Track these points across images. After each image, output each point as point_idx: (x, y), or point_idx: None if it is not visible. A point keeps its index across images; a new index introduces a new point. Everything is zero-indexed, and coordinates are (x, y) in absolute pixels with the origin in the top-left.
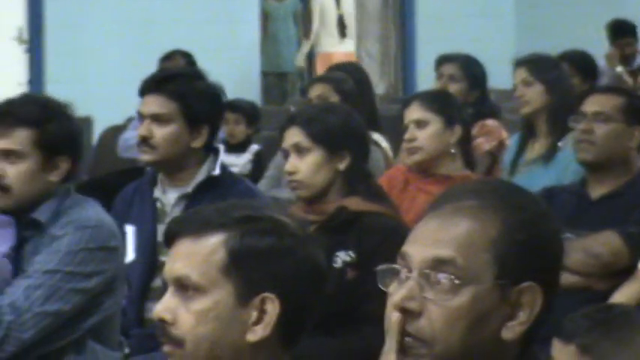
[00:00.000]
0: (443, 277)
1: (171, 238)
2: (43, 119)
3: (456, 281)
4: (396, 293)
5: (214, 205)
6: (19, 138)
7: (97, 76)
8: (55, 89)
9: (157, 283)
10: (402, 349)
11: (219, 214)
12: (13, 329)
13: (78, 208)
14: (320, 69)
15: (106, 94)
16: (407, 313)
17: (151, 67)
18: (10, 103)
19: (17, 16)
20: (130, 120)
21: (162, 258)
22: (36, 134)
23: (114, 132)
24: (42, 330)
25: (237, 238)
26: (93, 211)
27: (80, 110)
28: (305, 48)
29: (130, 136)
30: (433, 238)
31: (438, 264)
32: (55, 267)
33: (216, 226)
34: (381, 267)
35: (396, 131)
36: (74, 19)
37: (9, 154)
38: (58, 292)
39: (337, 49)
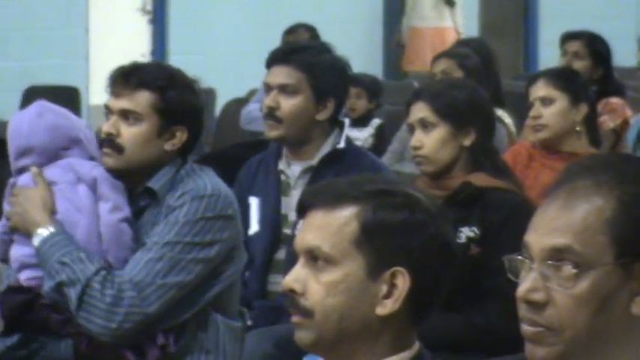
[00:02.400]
0: (563, 266)
1: (303, 210)
2: (167, 86)
3: (576, 269)
4: (521, 286)
5: (348, 177)
6: (140, 100)
7: (220, 49)
8: (177, 61)
9: (280, 255)
10: (535, 340)
11: (353, 187)
12: (136, 305)
13: (194, 177)
14: (410, 44)
15: (229, 66)
16: (533, 304)
17: (274, 41)
18: (138, 66)
19: None
20: (252, 92)
21: (286, 230)
22: (157, 99)
23: (236, 104)
24: (166, 303)
25: (370, 212)
26: (209, 180)
27: (203, 82)
28: (405, 22)
29: (253, 108)
30: (550, 227)
31: (557, 253)
32: (175, 238)
33: (349, 198)
34: (505, 258)
35: (519, 107)
36: None
37: (127, 115)
38: (180, 263)
39: (428, 24)
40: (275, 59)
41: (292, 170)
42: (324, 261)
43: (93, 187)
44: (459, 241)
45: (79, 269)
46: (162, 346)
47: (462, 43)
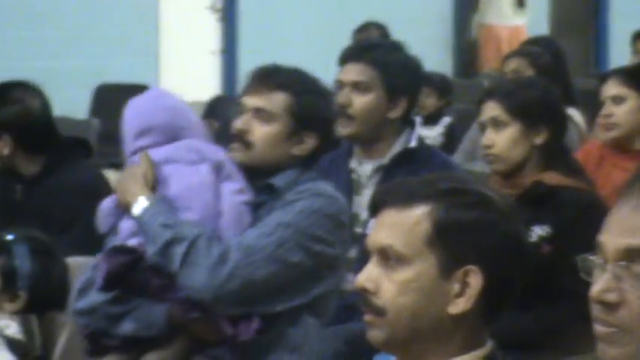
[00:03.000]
0: (636, 267)
1: (376, 208)
2: (303, 90)
3: None
4: (594, 286)
5: (420, 176)
6: (275, 100)
7: (290, 46)
8: (247, 58)
9: (352, 253)
10: (607, 340)
11: (426, 186)
12: (241, 267)
13: (315, 181)
14: (485, 42)
15: (298, 64)
16: (606, 305)
17: (344, 39)
18: (277, 67)
19: None
20: None
21: (358, 229)
22: (292, 101)
23: None
24: (271, 275)
25: (442, 210)
26: (329, 186)
27: None
28: (476, 20)
29: None
30: (624, 227)
31: (630, 253)
32: (289, 221)
33: (422, 197)
34: (578, 258)
35: (590, 106)
36: None
37: (261, 113)
38: (288, 243)
39: (505, 22)
40: (348, 56)
41: (364, 169)
42: (397, 260)
43: (217, 167)
44: (531, 239)
45: (185, 229)
46: (257, 330)
47: (532, 41)
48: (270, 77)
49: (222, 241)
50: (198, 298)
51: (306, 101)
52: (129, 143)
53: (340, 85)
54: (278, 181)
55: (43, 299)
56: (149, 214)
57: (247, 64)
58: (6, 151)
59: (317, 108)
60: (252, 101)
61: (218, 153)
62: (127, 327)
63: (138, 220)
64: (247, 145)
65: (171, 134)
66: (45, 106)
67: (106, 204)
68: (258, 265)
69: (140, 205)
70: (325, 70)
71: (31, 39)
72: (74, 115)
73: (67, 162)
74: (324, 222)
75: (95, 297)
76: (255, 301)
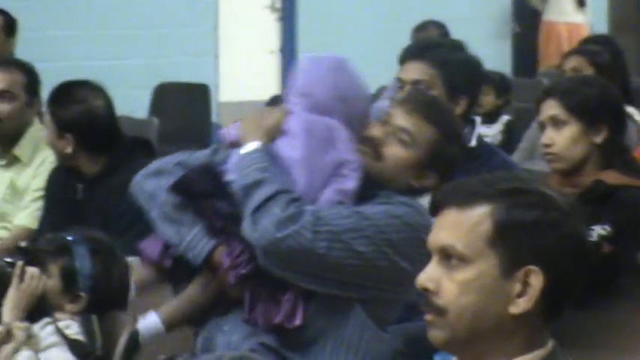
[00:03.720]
0: None
1: (437, 208)
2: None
3: None
4: None
5: (481, 176)
6: (419, 128)
7: (348, 45)
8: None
9: None
10: None
11: (486, 185)
12: (305, 232)
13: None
14: (545, 38)
15: (358, 63)
16: None
17: (403, 37)
18: (431, 100)
19: None
20: (382, 89)
21: None
22: (437, 136)
23: None
24: (330, 252)
25: (503, 210)
26: (421, 204)
27: None
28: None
29: (383, 105)
30: None
31: None
32: (369, 215)
33: (483, 197)
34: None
35: None
36: None
37: (404, 134)
38: (359, 232)
39: (565, 19)
40: (409, 55)
41: None
42: (458, 259)
43: (339, 164)
44: (591, 239)
45: (278, 180)
46: (298, 325)
47: (591, 39)
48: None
49: (302, 205)
50: (253, 244)
51: (449, 143)
52: (289, 92)
53: (401, 83)
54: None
55: (104, 299)
56: (253, 155)
57: None
58: (69, 150)
59: (448, 150)
60: (400, 121)
61: (348, 152)
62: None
63: (241, 157)
64: (377, 156)
65: (320, 109)
66: (108, 105)
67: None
68: (322, 237)
69: (251, 145)
70: (385, 68)
71: (92, 39)
72: (134, 115)
73: (128, 161)
74: (403, 229)
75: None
76: (303, 271)
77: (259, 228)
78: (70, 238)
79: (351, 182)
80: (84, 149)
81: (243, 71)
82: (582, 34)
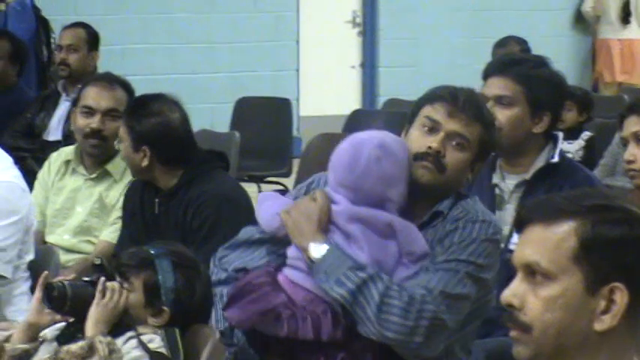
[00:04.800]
0: None
1: (521, 224)
2: (492, 121)
3: None
4: None
5: (565, 192)
6: (472, 130)
7: (429, 61)
8: (387, 72)
9: None
10: None
11: (571, 202)
12: (428, 304)
13: (470, 202)
14: (598, 55)
15: (438, 78)
16: None
17: (484, 53)
18: (476, 98)
19: (352, 0)
20: None
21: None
22: (484, 132)
23: None
24: (456, 312)
25: (588, 227)
26: (479, 206)
27: (413, 94)
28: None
29: None
30: None
31: None
32: (451, 257)
33: (567, 213)
34: None
35: None
36: (407, 4)
37: (459, 139)
38: (457, 275)
39: (617, 35)
40: (492, 71)
41: (506, 184)
42: (543, 276)
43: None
44: None
45: (374, 274)
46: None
47: None
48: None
49: (405, 284)
50: (387, 342)
51: (492, 132)
52: (333, 180)
53: (484, 99)
54: (444, 207)
55: (187, 313)
56: (333, 257)
57: (387, 78)
58: (145, 163)
59: (492, 138)
60: (453, 126)
61: (409, 243)
62: None
63: (317, 263)
64: (440, 168)
65: (372, 202)
66: (184, 119)
67: (270, 213)
68: (439, 302)
69: (319, 249)
70: (465, 83)
71: (174, 52)
72: (215, 128)
73: (205, 174)
74: (482, 248)
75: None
76: (439, 337)
77: (392, 326)
78: (152, 251)
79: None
80: (160, 162)
81: (324, 85)
82: (635, 50)
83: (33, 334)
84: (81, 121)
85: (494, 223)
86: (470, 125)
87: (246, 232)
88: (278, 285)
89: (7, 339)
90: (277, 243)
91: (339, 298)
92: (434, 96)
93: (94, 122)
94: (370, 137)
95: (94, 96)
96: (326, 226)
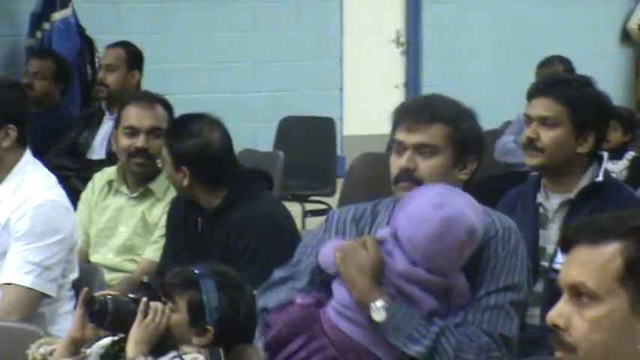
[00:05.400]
0: None
1: (567, 245)
2: (459, 118)
3: None
4: None
5: (611, 213)
6: (435, 133)
7: (473, 80)
8: (430, 92)
9: (538, 288)
10: None
11: (617, 223)
12: (489, 341)
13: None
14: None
15: (482, 97)
16: None
17: (527, 73)
18: (429, 100)
19: (396, 19)
20: (507, 124)
21: (544, 263)
22: (451, 131)
23: (491, 136)
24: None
25: (634, 248)
26: (497, 217)
27: None
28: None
29: (507, 140)
30: None
31: None
32: (493, 289)
33: (613, 234)
34: None
35: None
36: (451, 23)
37: (423, 148)
38: (503, 311)
39: None
40: (536, 92)
41: (550, 203)
42: (589, 297)
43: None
44: None
45: (445, 323)
46: None
47: None
48: (426, 111)
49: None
50: None
51: (460, 124)
52: (405, 237)
53: (528, 119)
54: None
55: (231, 333)
56: (401, 313)
57: None
58: (185, 183)
59: (475, 131)
60: (415, 139)
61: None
62: None
63: (385, 320)
64: (417, 182)
65: (429, 263)
66: (224, 139)
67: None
68: (501, 345)
69: (380, 308)
70: (508, 102)
71: (217, 71)
72: (259, 148)
73: (248, 195)
74: (511, 265)
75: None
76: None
77: None
78: (197, 271)
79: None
80: (200, 182)
81: (368, 105)
82: None
83: (76, 349)
84: (125, 142)
85: (509, 227)
86: (429, 130)
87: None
88: (319, 328)
89: (51, 353)
90: (299, 279)
91: (416, 354)
92: (394, 121)
93: (139, 141)
94: (462, 215)
95: (135, 115)
96: (380, 278)
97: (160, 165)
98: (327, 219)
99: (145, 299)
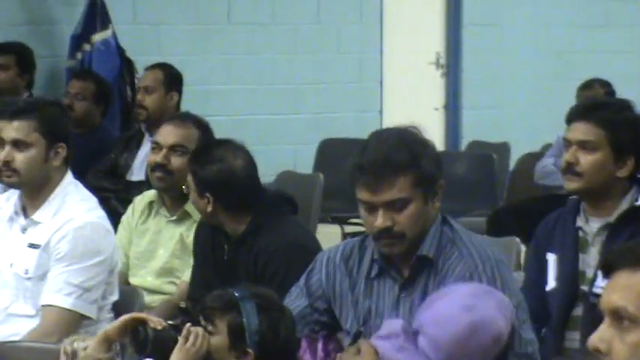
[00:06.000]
0: None
1: (608, 270)
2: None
3: None
4: None
5: None
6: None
7: (513, 102)
8: (470, 115)
9: (578, 312)
10: None
11: None
12: None
13: (468, 238)
14: None
15: (522, 120)
16: None
17: (567, 95)
18: (380, 152)
19: (436, 42)
20: (546, 146)
21: (583, 287)
22: (415, 176)
23: (530, 158)
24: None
25: None
26: (479, 239)
27: (497, 136)
28: None
29: (547, 163)
30: None
31: None
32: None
33: None
34: None
35: None
36: (491, 45)
37: (395, 204)
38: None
39: None
40: (575, 115)
41: (590, 227)
42: (630, 321)
43: None
44: None
45: None
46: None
47: None
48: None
49: None
50: None
51: (421, 162)
52: (430, 332)
53: (567, 143)
54: (427, 250)
55: (272, 355)
56: None
57: (470, 120)
58: (209, 209)
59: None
60: (381, 197)
61: None
62: None
63: None
64: (399, 236)
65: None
66: (248, 165)
67: None
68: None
69: None
70: (549, 125)
71: (258, 93)
72: (299, 170)
73: (272, 220)
74: (511, 287)
75: None
76: None
77: None
78: (237, 294)
79: None
80: (224, 208)
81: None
82: None
83: (108, 347)
84: (150, 157)
85: (489, 256)
86: (392, 183)
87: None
88: None
89: (85, 349)
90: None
91: None
92: (353, 179)
93: (159, 156)
94: (491, 320)
95: (162, 132)
96: None
97: (185, 191)
98: (316, 260)
99: (188, 324)
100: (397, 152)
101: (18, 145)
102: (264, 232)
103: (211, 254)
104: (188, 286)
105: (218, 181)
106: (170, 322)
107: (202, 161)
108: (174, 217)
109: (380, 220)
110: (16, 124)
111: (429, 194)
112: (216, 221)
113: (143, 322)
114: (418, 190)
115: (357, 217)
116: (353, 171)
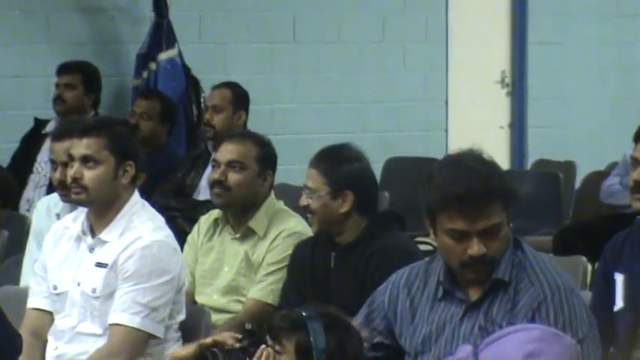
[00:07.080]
0: None
1: None
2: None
3: None
4: None
5: None
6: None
7: (578, 122)
8: (536, 133)
9: None
10: None
11: None
12: None
13: (539, 263)
14: None
15: (588, 139)
16: None
17: (633, 114)
18: (473, 180)
19: (501, 60)
20: (612, 165)
21: None
22: (505, 200)
23: (596, 177)
24: None
25: None
26: (550, 265)
27: (562, 155)
28: None
29: (613, 182)
30: None
31: None
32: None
33: None
34: None
35: None
36: (557, 63)
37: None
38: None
39: None
40: None
41: None
42: None
43: None
44: None
45: None
46: None
47: None
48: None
49: None
50: None
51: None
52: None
53: (634, 161)
54: (505, 273)
55: None
56: None
57: (536, 138)
58: (343, 210)
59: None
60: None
61: None
62: None
63: None
64: (492, 263)
65: None
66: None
67: None
68: None
69: None
70: (615, 143)
71: (323, 112)
72: None
73: (386, 230)
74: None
75: None
76: None
77: None
78: (304, 313)
79: None
80: (357, 208)
81: (473, 146)
82: None
83: None
84: (210, 175)
85: (559, 285)
86: (490, 211)
87: None
88: None
89: None
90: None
91: None
92: (440, 208)
93: (217, 173)
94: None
95: (221, 150)
96: None
97: (306, 203)
98: (389, 280)
99: (263, 346)
100: (490, 179)
101: (87, 161)
102: (378, 238)
103: (310, 269)
104: (262, 301)
105: (358, 177)
106: (238, 344)
107: (336, 160)
108: (238, 235)
109: (476, 247)
110: (86, 141)
111: (509, 215)
112: (339, 227)
113: (214, 346)
114: (505, 213)
115: (422, 235)
116: (442, 200)
